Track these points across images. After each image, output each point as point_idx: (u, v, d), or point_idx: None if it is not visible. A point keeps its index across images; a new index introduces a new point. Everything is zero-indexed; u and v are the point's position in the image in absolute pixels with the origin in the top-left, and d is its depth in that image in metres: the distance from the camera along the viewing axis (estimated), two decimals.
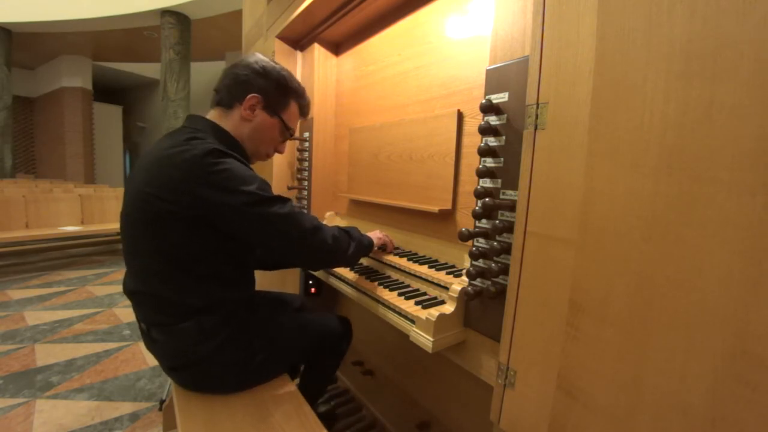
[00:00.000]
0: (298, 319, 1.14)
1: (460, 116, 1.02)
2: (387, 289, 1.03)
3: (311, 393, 1.18)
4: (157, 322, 0.93)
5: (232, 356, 0.95)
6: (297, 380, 1.39)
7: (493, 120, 0.78)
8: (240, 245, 0.94)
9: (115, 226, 4.55)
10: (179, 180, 0.82)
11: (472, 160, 0.99)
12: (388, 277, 1.14)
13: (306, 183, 1.71)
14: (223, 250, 0.91)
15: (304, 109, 1.11)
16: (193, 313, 0.90)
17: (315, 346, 1.15)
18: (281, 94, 1.03)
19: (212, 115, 1.01)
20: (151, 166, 0.86)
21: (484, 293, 0.77)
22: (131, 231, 0.90)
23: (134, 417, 1.62)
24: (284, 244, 0.89)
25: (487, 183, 0.79)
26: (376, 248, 1.15)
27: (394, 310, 0.95)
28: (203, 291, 0.90)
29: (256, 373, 1.00)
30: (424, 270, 1.02)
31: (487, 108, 0.77)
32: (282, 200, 0.89)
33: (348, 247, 0.99)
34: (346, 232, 1.02)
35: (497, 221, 0.73)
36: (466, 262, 0.86)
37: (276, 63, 1.03)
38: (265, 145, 1.06)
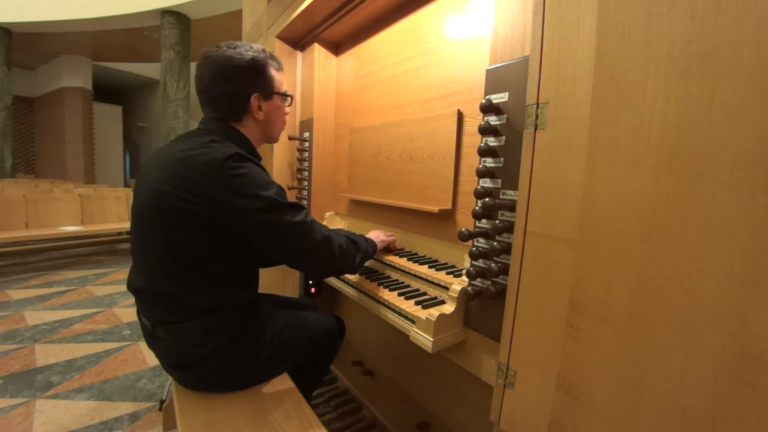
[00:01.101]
0: (299, 319, 1.15)
1: (460, 116, 1.02)
2: (387, 289, 1.04)
3: (306, 387, 1.19)
4: (163, 320, 0.93)
5: (235, 357, 0.95)
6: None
7: (493, 120, 0.78)
8: (249, 248, 0.95)
9: (115, 226, 4.55)
10: (199, 182, 0.83)
11: (472, 160, 0.99)
12: (389, 277, 1.14)
13: (306, 183, 1.71)
14: (233, 252, 0.92)
15: (278, 66, 1.06)
16: (199, 312, 0.90)
17: (315, 345, 1.16)
18: (262, 74, 1.00)
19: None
20: (170, 167, 0.87)
21: (484, 293, 0.77)
22: (143, 228, 0.91)
23: (134, 417, 1.62)
24: (293, 251, 0.90)
25: (487, 183, 0.79)
26: (379, 249, 1.16)
27: (394, 310, 0.95)
28: (210, 291, 0.91)
29: (258, 374, 1.01)
30: (424, 270, 1.02)
31: (487, 108, 0.77)
32: (297, 208, 0.90)
33: (354, 258, 1.00)
34: (354, 242, 1.02)
35: (497, 221, 0.73)
36: (466, 262, 0.86)
37: (230, 46, 0.97)
38: (279, 122, 1.10)
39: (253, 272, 1.04)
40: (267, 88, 1.02)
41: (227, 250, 0.90)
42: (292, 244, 0.88)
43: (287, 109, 1.13)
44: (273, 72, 1.04)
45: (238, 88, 0.97)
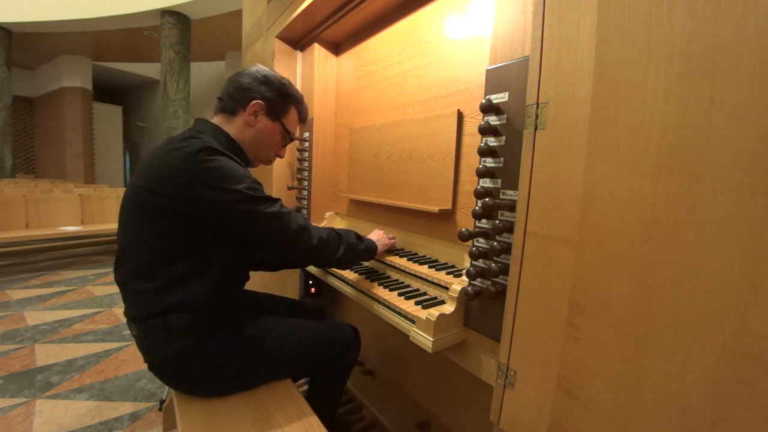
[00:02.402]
0: (293, 328, 1.08)
1: (460, 116, 1.02)
2: (387, 289, 1.03)
3: (319, 409, 1.09)
4: (132, 316, 0.94)
5: (199, 362, 0.92)
6: (301, 385, 1.37)
7: (493, 120, 0.78)
8: (226, 245, 0.94)
9: (115, 226, 4.52)
10: (171, 176, 0.84)
11: (472, 160, 0.99)
12: (389, 277, 1.14)
13: (306, 183, 1.71)
14: (209, 248, 0.91)
15: (302, 115, 1.15)
16: (162, 310, 0.89)
17: (312, 355, 1.09)
18: (282, 101, 1.07)
19: (216, 120, 1.05)
20: (149, 163, 0.90)
21: (484, 293, 0.77)
22: (123, 225, 0.93)
23: (134, 417, 1.62)
24: (269, 242, 0.93)
25: (487, 183, 0.79)
26: (380, 252, 1.15)
27: (394, 310, 0.95)
28: (179, 289, 0.89)
29: (232, 383, 0.97)
30: (424, 270, 1.02)
31: (487, 108, 0.77)
32: (270, 200, 0.91)
33: (337, 250, 1.00)
34: (338, 235, 1.02)
35: (497, 221, 0.73)
36: (466, 262, 0.86)
37: (276, 72, 1.08)
38: (267, 149, 1.10)
39: (232, 272, 1.00)
40: (276, 110, 1.06)
41: (202, 246, 0.91)
42: (268, 234, 0.91)
43: (282, 152, 1.15)
44: (293, 109, 1.10)
45: (252, 87, 1.02)
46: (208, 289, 0.92)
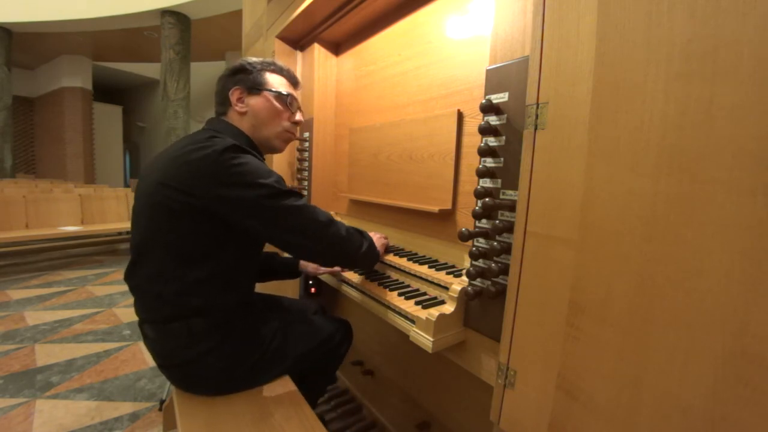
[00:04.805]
0: (296, 326, 1.11)
1: (460, 116, 1.02)
2: (387, 289, 1.03)
3: (309, 394, 1.15)
4: (149, 319, 0.94)
5: (218, 362, 0.93)
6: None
7: (493, 120, 0.78)
8: (245, 248, 0.94)
9: (115, 226, 4.55)
10: (197, 176, 0.83)
11: (472, 160, 0.99)
12: (389, 277, 1.14)
13: (306, 183, 1.71)
14: (228, 251, 0.92)
15: (286, 73, 1.10)
16: (183, 314, 0.90)
17: (312, 352, 1.12)
18: (251, 74, 1.04)
19: None
20: (170, 163, 0.88)
21: (484, 293, 0.77)
22: (139, 225, 0.92)
23: (134, 417, 1.62)
24: (299, 236, 0.89)
25: (487, 183, 0.79)
26: (381, 253, 1.14)
27: (394, 310, 0.95)
28: (200, 293, 0.90)
29: (244, 379, 0.99)
30: (424, 270, 1.02)
31: (487, 108, 0.77)
32: (297, 194, 0.91)
33: (361, 244, 0.99)
34: (359, 232, 1.02)
35: (497, 221, 0.73)
36: (466, 262, 0.86)
37: (241, 59, 1.09)
38: (274, 123, 1.06)
39: (248, 273, 1.03)
40: (252, 84, 1.03)
41: (221, 249, 0.90)
42: (298, 228, 0.88)
43: (293, 117, 1.09)
44: (267, 75, 1.06)
45: (224, 83, 1.04)
46: (226, 292, 0.94)
